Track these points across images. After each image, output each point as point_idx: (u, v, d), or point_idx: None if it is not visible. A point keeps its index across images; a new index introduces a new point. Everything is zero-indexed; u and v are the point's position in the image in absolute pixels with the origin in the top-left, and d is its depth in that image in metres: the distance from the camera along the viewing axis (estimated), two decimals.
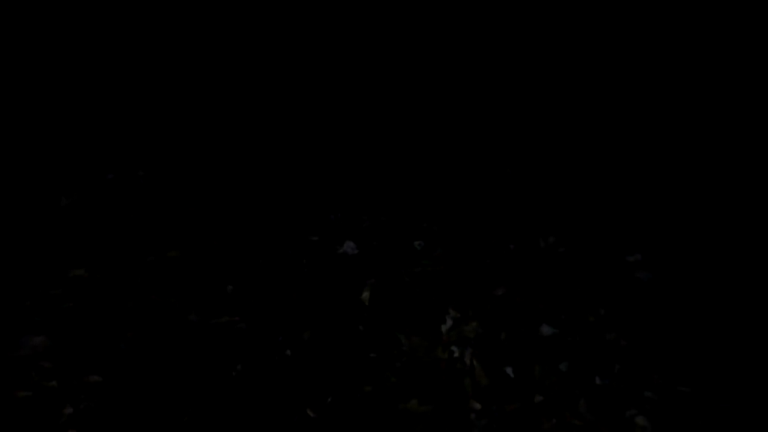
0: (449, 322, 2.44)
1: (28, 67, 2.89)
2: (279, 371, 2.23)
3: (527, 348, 2.34)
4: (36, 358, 2.06)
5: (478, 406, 2.13)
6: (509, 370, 2.26)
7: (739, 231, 2.73)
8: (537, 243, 2.75)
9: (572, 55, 3.24)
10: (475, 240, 2.78)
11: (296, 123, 3.16)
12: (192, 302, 2.42)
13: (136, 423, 1.94)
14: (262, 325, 2.40)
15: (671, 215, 2.79)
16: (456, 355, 2.31)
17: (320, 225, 2.78)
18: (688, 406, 2.14)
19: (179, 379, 2.11)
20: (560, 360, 2.27)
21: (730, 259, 2.62)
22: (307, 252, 2.68)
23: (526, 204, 2.89)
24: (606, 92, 3.17)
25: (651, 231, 2.77)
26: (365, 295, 2.58)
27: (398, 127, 3.20)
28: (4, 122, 2.80)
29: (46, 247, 2.45)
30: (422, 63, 3.20)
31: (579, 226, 2.81)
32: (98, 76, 3.04)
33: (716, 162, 2.96)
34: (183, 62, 3.18)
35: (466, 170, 3.03)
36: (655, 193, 2.90)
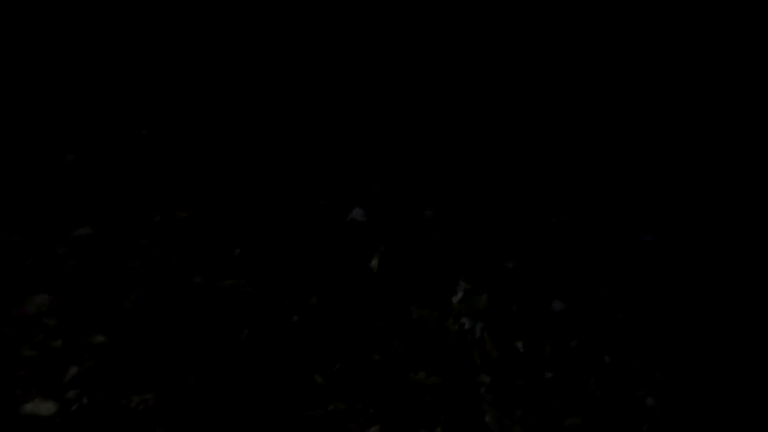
0: (460, 294, 2.41)
1: (38, 18, 2.80)
2: (286, 337, 2.20)
3: (538, 323, 2.31)
4: (41, 316, 2.02)
5: (487, 379, 2.10)
6: (520, 345, 2.23)
7: (749, 218, 2.69)
8: (549, 219, 2.71)
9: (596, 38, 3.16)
10: (487, 213, 2.73)
11: (310, 82, 3.08)
12: (198, 264, 2.38)
13: (141, 384, 1.92)
14: (268, 290, 2.36)
15: (685, 197, 2.74)
16: (466, 327, 2.28)
17: (329, 191, 2.73)
18: (697, 389, 2.12)
19: (184, 342, 2.08)
20: (571, 337, 2.25)
21: (740, 245, 2.58)
22: (315, 217, 2.63)
23: (540, 181, 2.83)
24: (624, 78, 3.10)
25: (664, 213, 2.73)
26: (374, 262, 2.54)
27: (415, 96, 3.12)
28: (6, 76, 2.72)
29: (51, 204, 2.39)
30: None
31: (592, 206, 2.77)
32: (106, 30, 2.95)
33: (730, 152, 2.90)
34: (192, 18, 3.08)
35: (480, 144, 2.97)
36: (670, 176, 2.84)
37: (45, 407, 1.77)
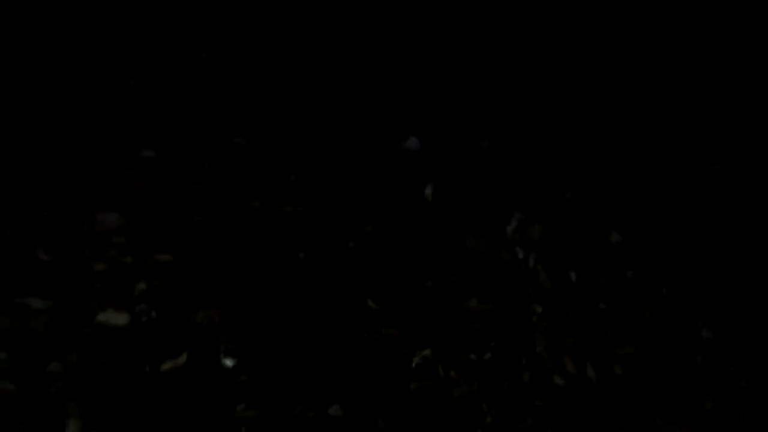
0: (514, 224, 2.40)
1: None
2: (341, 262, 2.26)
3: (594, 254, 2.30)
4: (110, 234, 2.12)
5: (539, 309, 2.12)
6: (573, 276, 2.23)
7: None
8: (608, 150, 2.64)
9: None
10: (545, 144, 2.68)
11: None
12: (257, 190, 2.44)
13: (206, 301, 2.01)
14: (325, 217, 2.41)
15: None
16: (520, 256, 2.29)
17: (384, 119, 2.72)
18: (752, 323, 2.09)
19: (245, 263, 2.16)
20: (627, 268, 2.23)
21: None
22: (370, 145, 2.64)
23: (597, 115, 2.76)
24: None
25: (729, 142, 2.63)
26: (428, 191, 2.55)
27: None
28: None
29: (117, 126, 2.47)
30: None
31: (651, 134, 2.69)
32: None
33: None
34: None
35: (540, 79, 2.89)
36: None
37: (119, 317, 1.88)
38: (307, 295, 2.12)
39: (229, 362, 1.85)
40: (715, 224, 2.39)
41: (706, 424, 1.89)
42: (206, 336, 1.91)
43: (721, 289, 2.17)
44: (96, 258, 2.03)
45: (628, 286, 2.19)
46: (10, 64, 2.54)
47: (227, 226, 2.26)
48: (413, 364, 1.95)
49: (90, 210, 2.17)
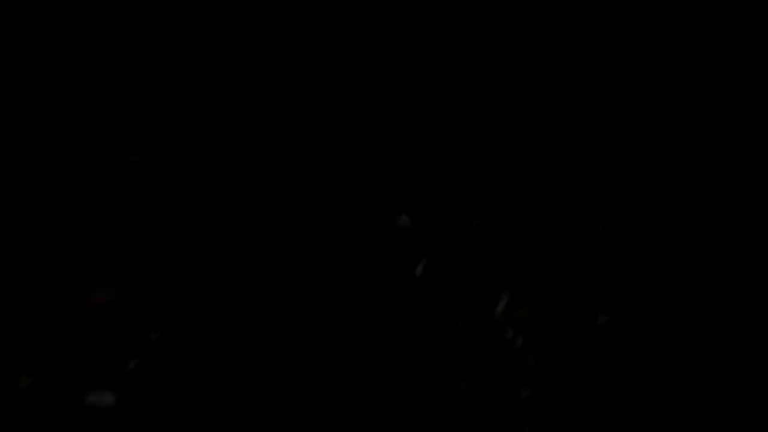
0: (503, 304, 2.43)
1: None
2: (333, 341, 2.28)
3: (581, 336, 2.32)
4: (105, 309, 2.15)
5: (527, 392, 2.13)
6: (562, 356, 2.24)
7: None
8: (594, 229, 2.70)
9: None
10: (533, 224, 2.74)
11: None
12: (248, 270, 2.48)
13: (192, 387, 2.02)
14: (316, 297, 2.44)
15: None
16: (509, 337, 2.31)
17: (376, 196, 2.79)
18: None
19: (231, 343, 2.17)
20: (614, 349, 2.25)
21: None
22: (362, 223, 2.70)
23: (581, 192, 2.83)
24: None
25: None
26: (419, 269, 2.59)
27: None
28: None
29: (114, 202, 2.53)
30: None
31: (633, 216, 2.75)
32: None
33: None
34: None
35: (529, 155, 2.98)
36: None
37: (105, 397, 1.88)
38: (290, 382, 2.13)
39: None
40: (702, 300, 2.41)
41: None
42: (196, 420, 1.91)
43: (705, 368, 2.18)
44: (89, 333, 2.05)
45: (616, 367, 2.21)
46: None
47: (218, 307, 2.29)
48: None
49: (85, 285, 2.20)
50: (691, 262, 2.59)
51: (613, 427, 2.06)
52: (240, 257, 2.48)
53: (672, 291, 2.48)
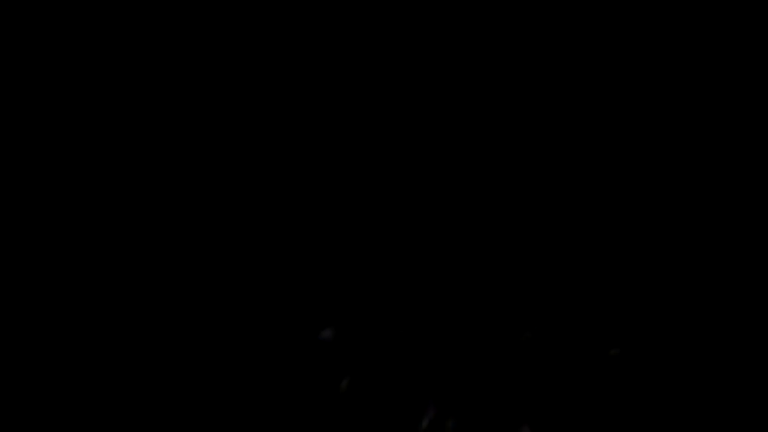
0: (428, 419, 2.40)
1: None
2: None
3: None
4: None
5: None
6: None
7: None
8: (519, 336, 2.71)
9: None
10: (456, 335, 2.74)
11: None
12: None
13: None
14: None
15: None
16: None
17: (297, 310, 2.74)
18: None
19: None
20: None
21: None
22: (285, 338, 2.64)
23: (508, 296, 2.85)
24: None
25: None
26: (344, 383, 2.53)
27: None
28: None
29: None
30: None
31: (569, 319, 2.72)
32: None
33: None
34: None
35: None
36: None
37: None
38: None
39: None
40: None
41: None
42: None
43: None
44: None
45: None
46: None
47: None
48: None
49: None
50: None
51: None
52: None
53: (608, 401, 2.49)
